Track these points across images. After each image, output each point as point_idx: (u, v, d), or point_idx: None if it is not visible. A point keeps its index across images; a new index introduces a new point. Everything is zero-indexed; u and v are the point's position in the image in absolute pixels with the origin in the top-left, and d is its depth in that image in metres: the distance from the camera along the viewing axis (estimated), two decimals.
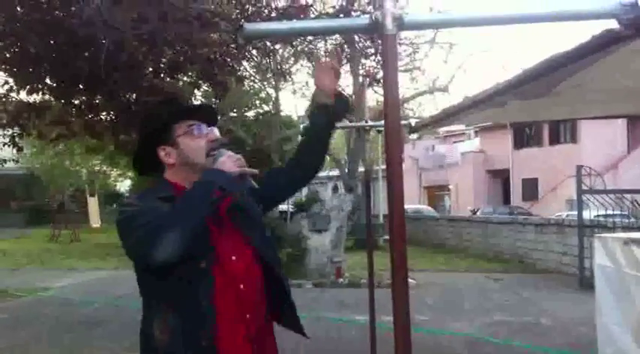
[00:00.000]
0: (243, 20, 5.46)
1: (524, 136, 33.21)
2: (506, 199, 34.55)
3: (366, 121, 5.85)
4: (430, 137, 37.51)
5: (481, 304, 9.79)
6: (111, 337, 7.32)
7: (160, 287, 2.04)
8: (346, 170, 26.18)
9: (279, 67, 14.14)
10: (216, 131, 2.30)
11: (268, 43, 6.72)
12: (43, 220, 30.88)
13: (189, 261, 1.97)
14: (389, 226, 2.06)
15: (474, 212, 28.94)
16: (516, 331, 7.94)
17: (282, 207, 30.76)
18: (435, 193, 39.70)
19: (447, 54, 49.69)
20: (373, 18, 1.89)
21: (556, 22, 2.11)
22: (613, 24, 2.06)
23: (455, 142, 40.59)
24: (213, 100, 20.91)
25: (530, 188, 32.33)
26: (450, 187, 37.84)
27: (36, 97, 7.16)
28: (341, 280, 12.66)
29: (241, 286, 2.10)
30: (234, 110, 26.01)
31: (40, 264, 16.68)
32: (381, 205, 24.18)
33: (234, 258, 2.12)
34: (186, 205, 2.01)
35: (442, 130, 35.00)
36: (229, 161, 2.14)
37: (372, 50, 8.10)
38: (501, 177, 35.67)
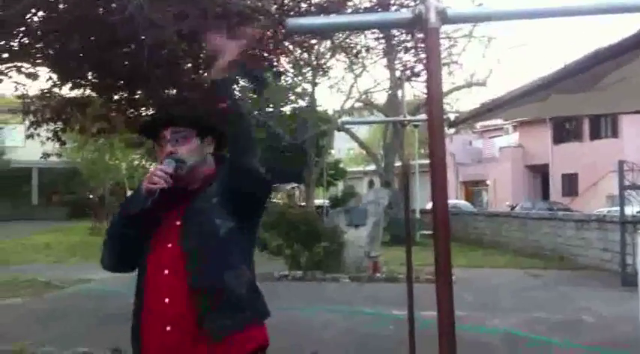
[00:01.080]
0: (282, 16, 5.47)
1: (564, 131, 32.63)
2: (545, 195, 34.00)
3: (405, 116, 5.83)
4: (467, 132, 37.11)
5: (520, 301, 9.68)
6: None
7: None
8: (382, 165, 26.11)
9: (317, 61, 14.14)
10: (187, 143, 2.31)
11: (308, 38, 6.73)
12: (84, 213, 31.45)
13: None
14: (433, 221, 2.05)
15: (513, 208, 28.57)
16: (556, 328, 7.83)
17: (318, 202, 30.84)
18: (473, 189, 39.32)
19: (485, 48, 48.99)
20: (416, 12, 1.88)
21: (600, 15, 2.08)
22: None
23: (492, 137, 40.10)
24: (250, 95, 20.98)
25: (570, 184, 31.76)
26: (488, 182, 37.41)
27: (78, 93, 7.30)
28: (378, 274, 12.63)
29: (166, 300, 2.18)
30: (271, 105, 26.13)
31: (82, 257, 16.98)
32: (417, 201, 24.04)
33: (166, 272, 2.21)
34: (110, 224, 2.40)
35: (479, 125, 34.58)
36: (146, 177, 2.24)
37: (411, 44, 8.03)
38: (540, 172, 35.09)
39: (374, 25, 2.85)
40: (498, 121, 33.63)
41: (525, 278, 12.55)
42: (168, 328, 2.15)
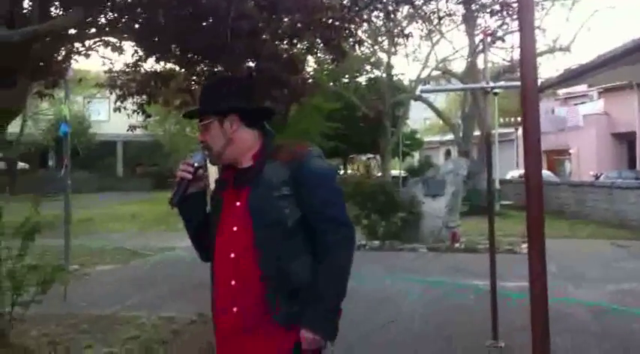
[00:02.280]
0: None
1: None
2: (632, 164, 32.57)
3: (487, 82, 5.69)
4: (550, 99, 35.87)
5: (606, 272, 9.39)
6: None
7: None
8: (460, 134, 25.64)
9: (394, 29, 13.90)
10: (209, 131, 2.33)
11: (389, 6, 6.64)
12: (166, 184, 32.47)
13: (212, 219, 2.35)
14: (526, 190, 2.01)
15: (597, 177, 27.57)
16: None
17: (395, 172, 30.66)
18: (555, 158, 38.11)
19: (569, 11, 47.00)
20: None
21: None
22: None
23: (576, 104, 38.60)
24: (327, 66, 20.91)
25: None
26: (571, 151, 36.16)
27: (162, 67, 7.49)
28: (457, 245, 12.52)
29: (232, 255, 2.24)
30: (346, 76, 26.02)
31: (165, 226, 17.56)
32: (497, 171, 23.51)
33: (235, 229, 2.26)
34: None
35: (562, 91, 33.37)
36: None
37: (497, 7, 7.76)
38: (627, 140, 33.60)
39: None
40: (582, 88, 32.34)
41: (612, 249, 12.14)
42: (234, 310, 2.22)
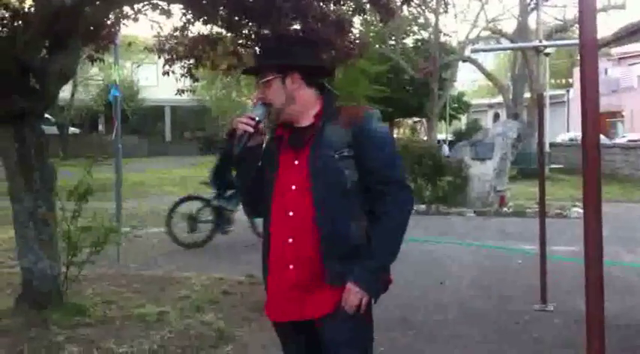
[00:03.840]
0: None
1: None
2: None
3: (540, 41, 5.51)
4: (603, 60, 34.73)
5: None
6: None
7: None
8: (510, 96, 25.12)
9: None
10: (270, 87, 2.31)
11: None
12: (214, 149, 32.85)
13: (267, 177, 2.33)
14: (582, 152, 1.95)
15: None
16: None
17: (440, 136, 30.33)
18: (608, 120, 37.08)
19: None
20: None
21: None
22: None
23: (631, 64, 37.28)
24: (374, 27, 20.63)
25: None
26: (624, 113, 35.12)
27: (209, 29, 7.47)
28: (505, 209, 12.38)
29: (290, 213, 2.25)
30: (393, 38, 25.67)
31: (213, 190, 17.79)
32: (547, 134, 23.04)
33: (293, 187, 2.26)
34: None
35: (616, 51, 32.27)
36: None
37: None
38: None
39: None
40: (638, 47, 31.17)
41: None
42: (290, 267, 2.25)
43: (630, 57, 37.40)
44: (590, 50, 1.90)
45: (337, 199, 2.21)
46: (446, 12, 23.96)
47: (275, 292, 2.35)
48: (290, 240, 2.25)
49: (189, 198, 9.72)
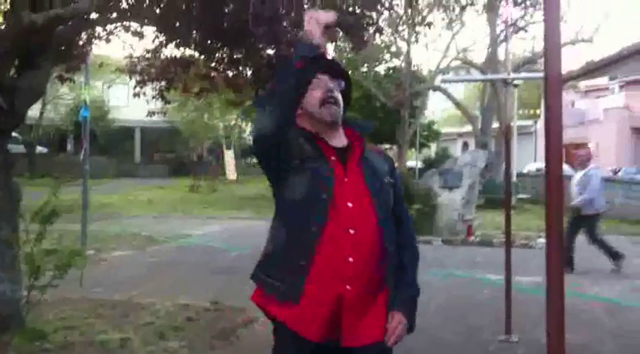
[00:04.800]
0: None
1: None
2: None
3: (509, 73, 5.62)
4: (570, 92, 35.53)
5: (623, 269, 9.30)
6: (251, 284, 7.65)
7: (283, 205, 2.31)
8: (478, 126, 25.48)
9: (418, 17, 13.81)
10: (342, 84, 2.41)
11: None
12: (183, 171, 32.63)
13: (312, 191, 2.20)
14: (546, 184, 1.98)
15: (616, 172, 27.32)
16: None
17: (411, 163, 30.54)
18: (574, 152, 37.83)
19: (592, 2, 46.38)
20: None
21: None
22: None
23: (597, 97, 38.20)
24: (347, 54, 20.81)
25: None
26: (590, 145, 35.84)
27: (182, 52, 7.49)
28: (472, 238, 12.47)
29: (351, 231, 2.18)
30: (365, 65, 25.91)
31: (181, 212, 17.69)
32: (515, 163, 23.36)
33: (350, 204, 2.21)
34: (278, 91, 2.22)
35: (583, 84, 33.05)
36: (307, 24, 2.18)
37: None
38: None
39: None
40: (604, 81, 32.02)
41: (629, 245, 12.03)
42: (348, 287, 2.17)
43: (596, 90, 38.39)
44: (554, 84, 1.94)
45: (392, 221, 2.31)
46: (416, 41, 24.27)
47: (317, 311, 2.20)
48: (350, 259, 2.17)
49: None
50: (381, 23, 8.67)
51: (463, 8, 13.60)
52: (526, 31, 11.84)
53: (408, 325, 2.26)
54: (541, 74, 1.91)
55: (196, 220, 15.74)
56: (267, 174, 2.33)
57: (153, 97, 8.03)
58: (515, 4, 9.31)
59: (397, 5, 8.20)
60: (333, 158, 2.27)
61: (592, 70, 4.26)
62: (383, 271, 2.23)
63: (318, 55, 2.18)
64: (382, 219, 2.24)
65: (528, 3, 9.11)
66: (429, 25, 14.34)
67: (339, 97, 2.36)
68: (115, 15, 6.01)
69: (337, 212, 2.19)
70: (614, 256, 9.10)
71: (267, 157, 2.27)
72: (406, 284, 2.29)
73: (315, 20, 2.18)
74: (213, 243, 11.53)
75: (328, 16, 2.20)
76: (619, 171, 27.72)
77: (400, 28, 23.21)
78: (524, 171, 29.45)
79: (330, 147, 2.31)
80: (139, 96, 7.90)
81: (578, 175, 9.44)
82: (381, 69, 27.82)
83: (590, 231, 9.24)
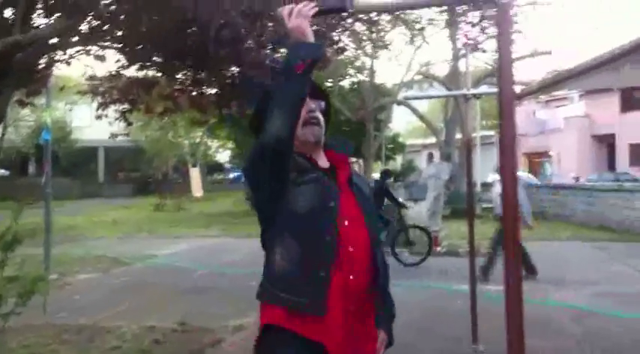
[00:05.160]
0: None
1: (632, 99, 31.46)
2: (612, 166, 33.01)
3: (468, 89, 5.74)
4: (531, 102, 36.20)
5: (586, 274, 9.50)
6: (219, 303, 7.63)
7: (288, 218, 2.17)
8: (442, 138, 25.79)
9: (378, 36, 14.01)
10: (322, 105, 2.41)
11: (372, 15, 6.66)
12: (148, 190, 32.33)
13: (318, 200, 2.16)
14: (503, 197, 2.05)
15: (577, 179, 27.88)
16: (624, 302, 7.67)
17: (375, 176, 30.74)
18: (536, 160, 38.47)
19: (551, 14, 47.49)
20: None
21: None
22: None
23: (557, 106, 39.00)
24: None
25: (638, 153, 30.73)
26: (551, 153, 36.54)
27: (144, 74, 7.47)
28: (439, 249, 12.58)
29: (350, 249, 2.16)
30: (330, 80, 26.06)
31: (147, 232, 17.49)
32: (479, 174, 23.62)
33: (346, 223, 2.19)
34: (279, 93, 2.09)
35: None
36: (293, 20, 2.04)
37: (477, 18, 7.86)
38: (607, 142, 34.06)
39: (447, 2, 2.83)
40: (564, 91, 32.69)
41: (591, 251, 12.28)
42: (350, 306, 2.16)
43: (557, 100, 39.16)
44: (507, 99, 2.01)
45: (379, 241, 2.35)
46: (376, 58, 24.52)
47: (340, 323, 2.14)
48: (351, 277, 2.15)
49: None
50: (345, 41, 8.78)
51: (422, 29, 13.88)
52: (484, 52, 12.16)
53: (387, 341, 2.32)
54: (496, 90, 1.98)
55: (163, 239, 15.58)
56: (261, 188, 2.20)
57: (115, 119, 7.98)
58: (473, 25, 9.56)
59: (359, 25, 8.29)
60: (325, 176, 2.25)
61: (545, 86, 4.38)
62: (373, 290, 2.25)
63: (320, 56, 2.08)
64: (373, 239, 2.26)
65: (486, 23, 9.36)
66: (387, 46, 14.58)
67: (321, 117, 2.35)
68: (75, 39, 5.98)
69: (337, 229, 2.16)
70: (530, 269, 9.02)
71: (273, 165, 2.11)
72: (385, 302, 2.34)
73: (301, 13, 2.04)
74: (180, 262, 11.43)
75: (311, 6, 2.05)
76: (580, 178, 28.30)
77: (363, 44, 23.43)
78: (489, 180, 29.83)
79: (319, 166, 2.30)
80: (101, 118, 7.85)
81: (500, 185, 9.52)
82: (345, 83, 28.00)
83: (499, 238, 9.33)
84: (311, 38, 2.05)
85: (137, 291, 8.57)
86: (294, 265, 2.13)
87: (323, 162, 2.32)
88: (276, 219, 2.19)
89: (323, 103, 2.41)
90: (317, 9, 2.05)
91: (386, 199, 10.94)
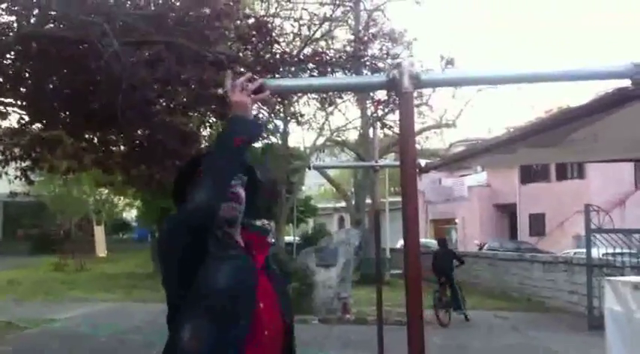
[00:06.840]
0: (257, 65, 5.54)
1: (531, 171, 33.16)
2: (513, 234, 34.38)
3: (376, 161, 5.87)
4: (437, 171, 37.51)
5: (488, 344, 9.69)
6: None
7: (204, 295, 2.06)
8: (353, 203, 26.18)
9: (291, 109, 14.31)
10: (244, 179, 2.38)
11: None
12: (49, 248, 30.83)
13: (237, 280, 2.08)
14: (404, 266, 2.07)
15: (481, 247, 28.78)
16: None
17: (289, 239, 30.68)
18: (442, 227, 39.58)
19: (455, 89, 49.89)
20: (390, 76, 1.93)
21: (571, 82, 2.15)
22: (626, 83, 2.11)
23: (462, 175, 40.58)
24: None
25: (538, 223, 32.17)
26: (457, 220, 37.74)
27: (49, 132, 7.24)
28: (348, 316, 12.56)
29: (265, 333, 2.11)
30: None
31: (45, 294, 16.60)
32: (387, 240, 24.07)
33: (262, 305, 2.13)
34: (213, 164, 2.05)
35: None
36: (238, 95, 2.01)
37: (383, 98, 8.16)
38: (508, 211, 35.57)
39: (350, 87, 2.92)
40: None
41: (494, 320, 12.59)
42: None
43: (461, 169, 40.75)
44: (409, 171, 2.04)
45: (293, 327, 2.28)
46: (287, 122, 24.86)
47: None
48: (266, 332, 2.11)
49: None
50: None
51: (332, 103, 14.36)
52: (390, 128, 12.60)
53: None
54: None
55: (62, 302, 14.80)
56: (173, 262, 2.09)
57: (16, 177, 7.63)
58: (379, 103, 9.98)
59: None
60: (245, 256, 2.19)
61: (448, 163, 4.58)
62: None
63: (259, 135, 2.08)
64: (287, 323, 2.23)
65: (390, 100, 9.80)
66: (298, 121, 14.94)
67: (242, 193, 2.24)
68: None
69: (255, 311, 2.12)
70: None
71: (194, 237, 2.01)
72: None
73: (245, 89, 2.01)
74: (79, 327, 10.87)
75: (256, 83, 2.02)
76: (484, 245, 29.17)
77: (276, 109, 23.74)
78: (397, 246, 30.37)
79: (239, 244, 2.24)
80: (0, 176, 7.49)
81: None
82: (257, 146, 28.16)
83: None
84: (251, 115, 2.05)
85: None
86: (205, 346, 2.02)
87: (240, 240, 2.26)
88: (190, 295, 2.07)
89: (245, 178, 2.31)
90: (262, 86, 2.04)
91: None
